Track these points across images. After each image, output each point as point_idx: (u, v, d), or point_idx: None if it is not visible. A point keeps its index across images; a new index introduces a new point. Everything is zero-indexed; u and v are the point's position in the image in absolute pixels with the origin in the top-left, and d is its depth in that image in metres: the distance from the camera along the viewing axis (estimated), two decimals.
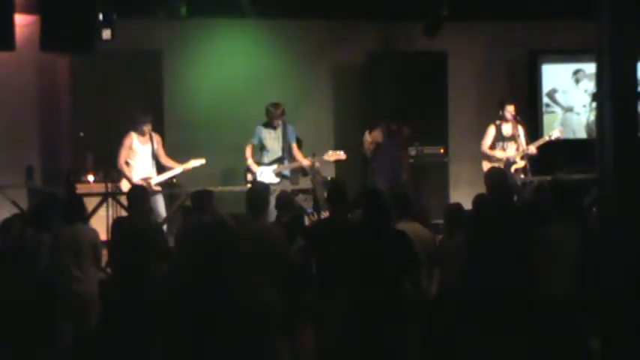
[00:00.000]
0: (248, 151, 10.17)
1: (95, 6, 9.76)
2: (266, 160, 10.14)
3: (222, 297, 7.01)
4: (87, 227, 7.64)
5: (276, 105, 10.09)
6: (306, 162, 10.14)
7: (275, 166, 10.10)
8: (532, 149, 10.30)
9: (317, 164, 10.19)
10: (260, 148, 10.22)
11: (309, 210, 9.97)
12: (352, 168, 11.21)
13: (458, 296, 6.86)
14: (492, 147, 10.43)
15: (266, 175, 10.01)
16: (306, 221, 9.35)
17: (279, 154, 10.13)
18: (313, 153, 10.43)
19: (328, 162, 10.84)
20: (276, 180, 10.03)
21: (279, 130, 10.13)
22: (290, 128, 10.19)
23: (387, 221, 6.55)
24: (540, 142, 10.48)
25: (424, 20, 11.78)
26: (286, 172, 10.24)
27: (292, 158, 10.22)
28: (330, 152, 10.19)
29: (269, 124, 10.12)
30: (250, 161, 10.13)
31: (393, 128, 10.29)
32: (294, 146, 10.23)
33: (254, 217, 6.99)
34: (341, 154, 10.15)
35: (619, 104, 5.67)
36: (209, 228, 7.21)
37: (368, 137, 10.38)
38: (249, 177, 10.14)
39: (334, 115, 12.47)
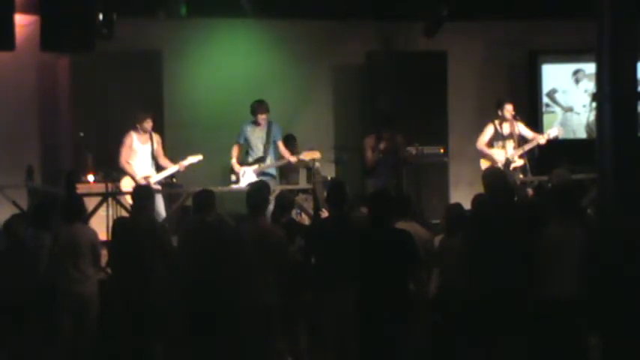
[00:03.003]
0: (234, 151, 10.17)
1: (95, 6, 9.76)
2: (250, 159, 10.14)
3: (223, 297, 7.02)
4: (86, 227, 7.63)
5: (259, 101, 10.08)
6: (292, 158, 10.11)
7: (256, 166, 10.09)
8: (542, 139, 10.28)
9: (317, 164, 10.17)
10: (246, 148, 10.20)
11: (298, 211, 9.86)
12: (352, 168, 11.21)
13: (458, 296, 6.87)
14: (490, 145, 10.43)
15: (248, 174, 10.02)
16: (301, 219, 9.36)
17: (261, 153, 10.12)
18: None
19: (328, 162, 10.85)
20: (255, 179, 10.00)
21: (264, 129, 10.11)
22: (275, 126, 10.15)
23: (389, 221, 6.56)
24: (546, 137, 10.45)
25: (424, 20, 11.79)
26: (271, 171, 10.18)
27: (279, 156, 10.20)
28: (305, 152, 10.12)
29: (254, 122, 10.10)
30: (234, 161, 10.12)
31: (386, 136, 10.27)
32: (280, 144, 10.19)
33: (254, 217, 6.99)
34: (316, 154, 10.11)
35: (619, 104, 5.68)
36: (210, 228, 7.21)
37: (367, 145, 10.38)
38: (233, 177, 10.15)
39: (334, 115, 12.47)
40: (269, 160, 10.13)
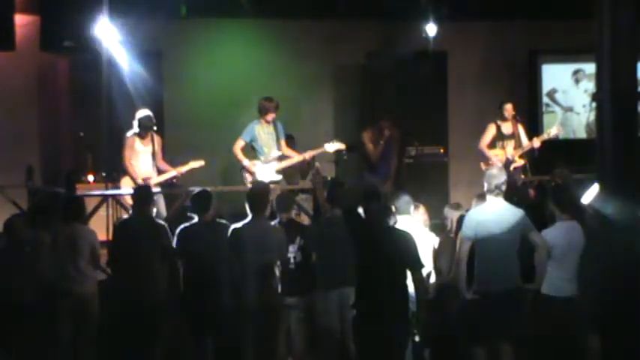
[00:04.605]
0: (240, 152, 9.95)
1: (95, 6, 9.77)
2: (262, 157, 10.04)
3: (223, 297, 7.02)
4: (85, 227, 7.64)
5: (269, 98, 9.94)
6: (307, 154, 10.02)
7: (275, 163, 10.00)
8: (536, 142, 10.29)
9: (317, 164, 10.15)
10: (252, 147, 10.03)
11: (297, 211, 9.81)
12: (352, 168, 11.21)
13: (457, 296, 6.86)
14: (492, 145, 10.45)
15: (266, 172, 9.91)
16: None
17: (276, 150, 10.05)
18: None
19: (329, 160, 10.83)
20: (278, 177, 9.95)
21: (272, 125, 10.01)
22: (280, 124, 10.04)
23: (389, 221, 6.56)
24: (541, 138, 10.48)
25: (424, 20, 11.79)
26: None
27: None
28: (327, 144, 10.03)
29: (263, 120, 9.95)
30: (246, 161, 10.01)
31: (386, 131, 10.34)
32: (283, 142, 10.14)
33: (255, 217, 6.99)
34: (341, 145, 10.06)
35: (619, 104, 5.67)
36: (209, 228, 7.21)
37: (367, 139, 10.45)
38: (248, 177, 9.95)
39: (334, 115, 12.48)
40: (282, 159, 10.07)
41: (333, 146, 9.98)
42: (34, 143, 11.33)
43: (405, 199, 7.43)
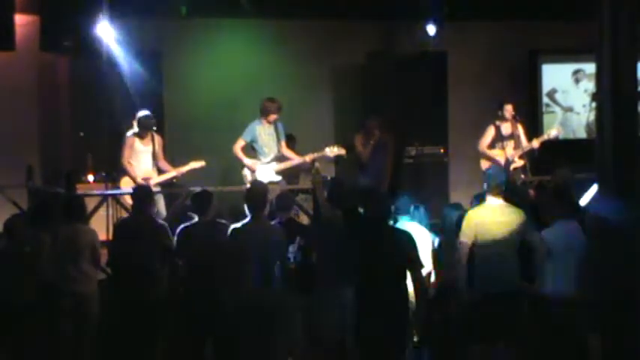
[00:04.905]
0: (240, 151, 9.91)
1: (95, 6, 9.78)
2: (263, 158, 10.01)
3: (222, 297, 7.02)
4: (85, 227, 7.64)
5: (272, 100, 9.88)
6: (308, 157, 9.99)
7: (275, 164, 9.98)
8: (535, 144, 10.29)
9: (317, 164, 10.13)
10: (252, 147, 9.99)
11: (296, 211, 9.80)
12: (352, 168, 11.21)
13: (457, 296, 6.87)
14: (491, 146, 10.44)
15: (266, 173, 9.90)
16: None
17: (276, 151, 10.02)
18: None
19: (328, 161, 10.83)
20: (277, 178, 9.93)
21: (272, 126, 9.96)
22: (280, 125, 10.00)
23: (388, 220, 6.57)
24: (540, 139, 10.48)
25: (424, 20, 11.79)
26: None
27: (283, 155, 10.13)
28: (328, 149, 10.02)
29: (264, 121, 9.91)
30: (247, 160, 9.98)
31: (375, 132, 10.43)
32: (284, 143, 10.12)
33: (254, 217, 6.99)
34: (341, 151, 10.03)
35: (619, 104, 5.68)
36: (209, 228, 7.22)
37: (358, 141, 10.56)
38: (249, 176, 9.89)
39: (334, 115, 12.48)
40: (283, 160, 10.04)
41: (333, 151, 9.96)
42: (34, 143, 11.31)
43: (405, 199, 7.44)
